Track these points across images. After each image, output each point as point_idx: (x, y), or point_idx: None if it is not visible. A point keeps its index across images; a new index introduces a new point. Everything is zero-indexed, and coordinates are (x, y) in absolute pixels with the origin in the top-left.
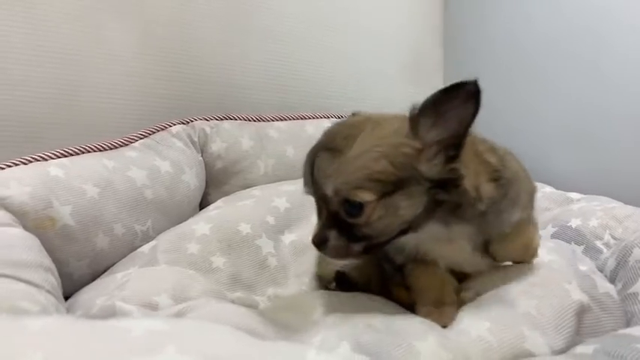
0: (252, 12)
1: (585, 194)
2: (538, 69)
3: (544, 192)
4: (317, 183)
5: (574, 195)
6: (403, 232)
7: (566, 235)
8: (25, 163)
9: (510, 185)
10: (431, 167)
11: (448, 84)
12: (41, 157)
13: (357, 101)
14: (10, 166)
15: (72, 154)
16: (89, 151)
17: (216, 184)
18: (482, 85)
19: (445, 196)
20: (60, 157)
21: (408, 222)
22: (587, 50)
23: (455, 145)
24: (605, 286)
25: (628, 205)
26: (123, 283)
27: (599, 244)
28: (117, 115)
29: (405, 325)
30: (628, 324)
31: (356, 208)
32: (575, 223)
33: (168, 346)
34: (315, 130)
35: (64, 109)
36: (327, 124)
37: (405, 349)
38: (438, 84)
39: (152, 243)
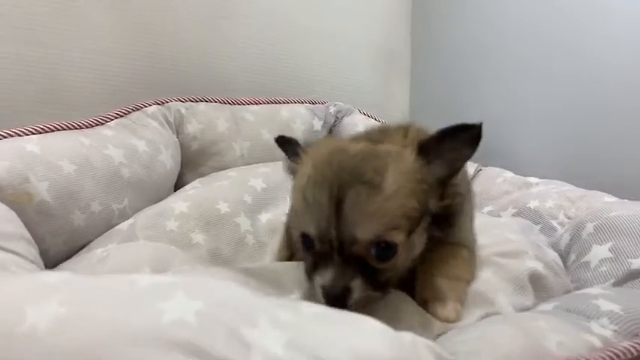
0: None
1: (543, 179)
2: (509, 52)
3: (505, 177)
4: (347, 223)
5: (532, 179)
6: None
7: (525, 215)
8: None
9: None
10: (434, 203)
11: (416, 74)
12: (16, 132)
13: (331, 87)
14: None
15: (47, 131)
16: (64, 129)
17: (191, 165)
18: (451, 68)
19: (437, 233)
20: (36, 134)
21: (415, 260)
22: (562, 28)
23: (450, 180)
24: (552, 254)
25: (580, 188)
26: (103, 257)
27: (554, 223)
28: (91, 93)
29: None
30: (579, 289)
31: (390, 250)
32: (533, 204)
33: (177, 292)
34: (289, 114)
35: (39, 85)
36: (301, 109)
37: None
38: (405, 72)
39: (130, 221)
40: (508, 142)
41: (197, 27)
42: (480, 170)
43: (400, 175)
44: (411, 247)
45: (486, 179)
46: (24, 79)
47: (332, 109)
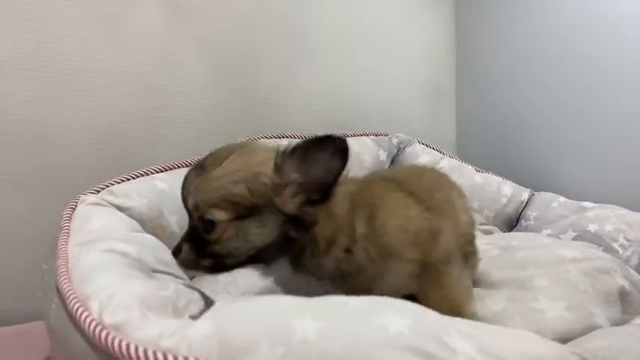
0: (301, 40)
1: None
2: (544, 84)
3: (559, 201)
4: (184, 197)
5: (587, 204)
6: (253, 259)
7: (586, 238)
8: (133, 178)
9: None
10: (287, 203)
11: (461, 106)
12: (145, 172)
13: (387, 120)
14: (123, 181)
15: (167, 169)
16: (180, 167)
17: None
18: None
19: (294, 234)
20: (159, 172)
21: (257, 249)
22: (597, 64)
23: (319, 190)
24: (636, 275)
25: (635, 212)
26: (230, 281)
27: (615, 245)
28: (191, 133)
29: None
30: None
31: (210, 225)
32: (593, 227)
33: (385, 310)
34: (359, 147)
35: (150, 128)
36: (367, 141)
37: None
38: (451, 104)
39: None
40: (554, 168)
41: (278, 70)
42: (533, 195)
43: (234, 164)
44: (240, 230)
45: (542, 203)
46: (145, 123)
47: (394, 141)
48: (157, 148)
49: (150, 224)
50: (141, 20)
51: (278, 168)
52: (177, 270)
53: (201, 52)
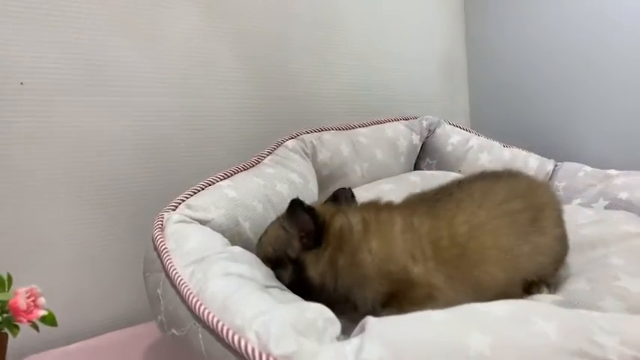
0: (331, 32)
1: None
2: (556, 50)
3: (585, 170)
4: None
5: (612, 172)
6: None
7: (619, 206)
8: (202, 189)
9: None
10: (292, 250)
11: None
12: (209, 182)
13: (409, 101)
14: (195, 192)
15: (229, 176)
16: (240, 171)
17: (321, 188)
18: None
19: (294, 277)
20: (223, 179)
21: (290, 287)
22: (621, 26)
23: (310, 237)
24: None
25: None
26: None
27: None
28: (237, 132)
29: None
30: None
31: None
32: (624, 195)
33: (533, 317)
34: (393, 132)
35: (189, 132)
36: (400, 126)
37: None
38: (464, 80)
39: None
40: (572, 138)
41: (307, 65)
42: (557, 166)
43: (269, 233)
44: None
45: (568, 173)
46: (185, 125)
47: (424, 123)
48: (204, 150)
49: (229, 234)
50: (176, 23)
51: (284, 226)
52: (277, 281)
53: (237, 49)
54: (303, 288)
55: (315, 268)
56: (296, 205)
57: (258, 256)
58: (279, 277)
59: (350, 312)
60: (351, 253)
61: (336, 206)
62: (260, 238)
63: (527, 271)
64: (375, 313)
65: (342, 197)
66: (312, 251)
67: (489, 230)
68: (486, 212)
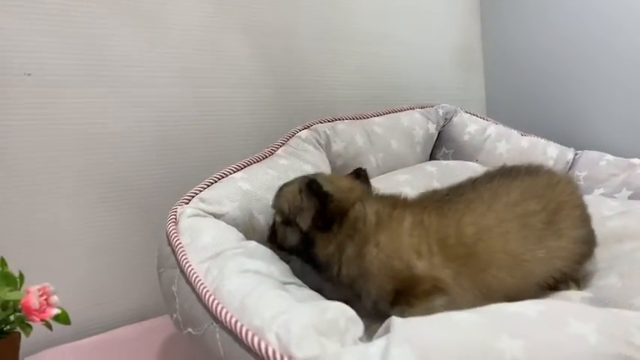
0: (342, 21)
1: None
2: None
3: (607, 159)
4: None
5: (635, 160)
6: (296, 253)
7: None
8: (215, 181)
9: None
10: (302, 223)
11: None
12: (223, 174)
13: (422, 89)
14: (208, 185)
15: (242, 167)
16: (253, 163)
17: None
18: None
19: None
20: (237, 171)
21: (289, 246)
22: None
23: (321, 220)
24: None
25: None
26: None
27: None
28: (249, 124)
29: None
30: None
31: (272, 222)
32: None
33: (567, 318)
34: (409, 122)
35: (201, 124)
36: (416, 115)
37: None
38: (479, 67)
39: None
40: (589, 127)
41: (317, 53)
42: (577, 154)
43: (290, 189)
44: (280, 232)
45: (589, 162)
46: (196, 117)
47: (440, 112)
48: (216, 142)
49: (243, 227)
50: (187, 14)
51: (301, 198)
52: (294, 277)
53: (249, 40)
54: (307, 257)
55: (324, 249)
56: (311, 188)
57: (273, 200)
58: (283, 234)
59: (352, 299)
60: (360, 243)
61: (362, 189)
62: (282, 187)
63: (540, 277)
64: (379, 308)
65: (362, 177)
66: (324, 233)
67: (498, 234)
68: (496, 214)
